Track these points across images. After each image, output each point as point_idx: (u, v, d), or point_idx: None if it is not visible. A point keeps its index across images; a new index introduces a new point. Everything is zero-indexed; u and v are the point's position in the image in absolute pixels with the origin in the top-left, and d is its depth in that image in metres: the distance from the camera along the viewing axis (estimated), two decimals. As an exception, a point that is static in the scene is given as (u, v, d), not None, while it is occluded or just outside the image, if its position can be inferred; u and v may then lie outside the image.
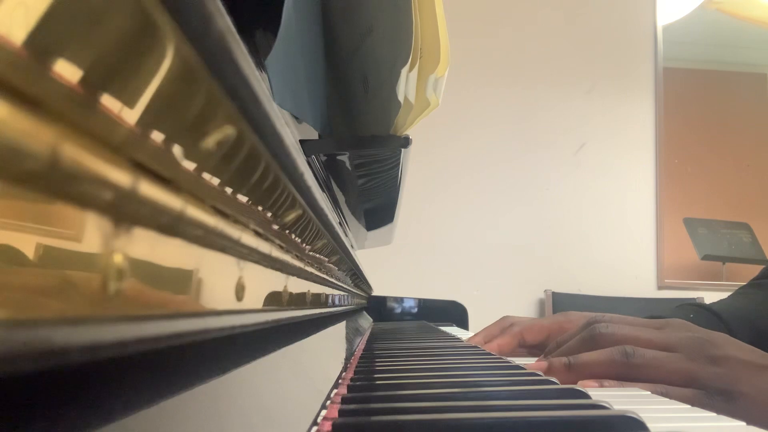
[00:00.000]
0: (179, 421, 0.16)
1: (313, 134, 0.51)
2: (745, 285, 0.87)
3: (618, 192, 2.29)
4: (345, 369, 0.50)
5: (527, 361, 0.59)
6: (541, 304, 2.48)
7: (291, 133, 0.24)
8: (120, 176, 0.11)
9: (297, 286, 0.31)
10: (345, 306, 0.67)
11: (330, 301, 0.49)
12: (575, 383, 0.50)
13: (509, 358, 0.59)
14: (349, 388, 0.42)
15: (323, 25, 0.49)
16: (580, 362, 0.54)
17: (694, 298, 2.34)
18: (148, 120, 0.11)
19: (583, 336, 0.58)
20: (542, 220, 2.21)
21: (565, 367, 0.54)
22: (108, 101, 0.10)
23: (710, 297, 1.49)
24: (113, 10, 0.10)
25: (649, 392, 0.45)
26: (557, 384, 0.42)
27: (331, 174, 0.63)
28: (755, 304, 0.80)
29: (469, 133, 2.16)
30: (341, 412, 0.33)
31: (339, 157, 0.58)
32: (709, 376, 0.49)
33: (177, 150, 0.13)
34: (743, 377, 0.48)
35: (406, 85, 0.51)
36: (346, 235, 0.67)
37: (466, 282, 2.12)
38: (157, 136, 0.12)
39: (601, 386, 0.51)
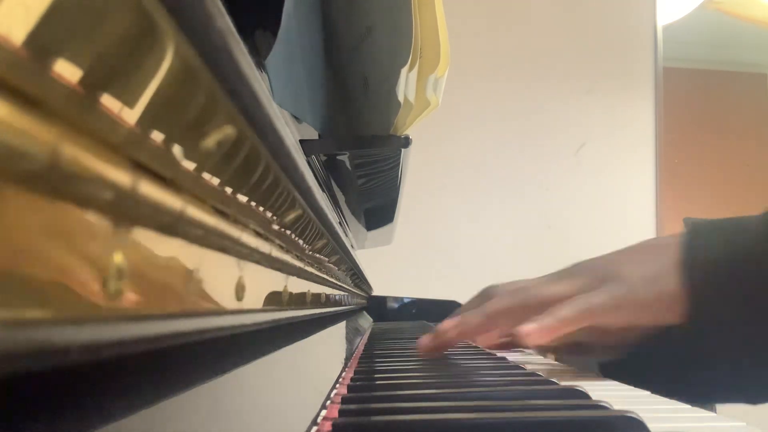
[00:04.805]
0: (179, 421, 0.16)
1: (313, 134, 0.51)
2: None
3: (618, 192, 2.29)
4: (345, 369, 0.50)
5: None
6: (541, 304, 2.47)
7: (291, 133, 0.24)
8: (120, 176, 0.11)
9: (297, 286, 0.31)
10: (345, 306, 0.67)
11: (330, 301, 0.49)
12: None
13: (507, 356, 0.59)
14: (349, 388, 0.42)
15: (323, 24, 0.49)
16: (489, 311, 0.56)
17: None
18: (148, 120, 0.11)
19: (477, 299, 0.61)
20: (542, 219, 2.21)
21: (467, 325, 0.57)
22: (108, 101, 0.10)
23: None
24: (113, 10, 0.10)
25: (648, 392, 0.45)
26: (557, 384, 0.42)
27: (331, 174, 0.63)
28: None
29: (469, 133, 2.15)
30: (341, 412, 0.33)
31: (339, 157, 0.58)
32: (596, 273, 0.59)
33: (177, 150, 0.13)
34: (622, 264, 0.59)
35: (406, 85, 0.51)
36: (346, 235, 0.67)
37: (466, 282, 2.12)
38: (157, 136, 0.12)
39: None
